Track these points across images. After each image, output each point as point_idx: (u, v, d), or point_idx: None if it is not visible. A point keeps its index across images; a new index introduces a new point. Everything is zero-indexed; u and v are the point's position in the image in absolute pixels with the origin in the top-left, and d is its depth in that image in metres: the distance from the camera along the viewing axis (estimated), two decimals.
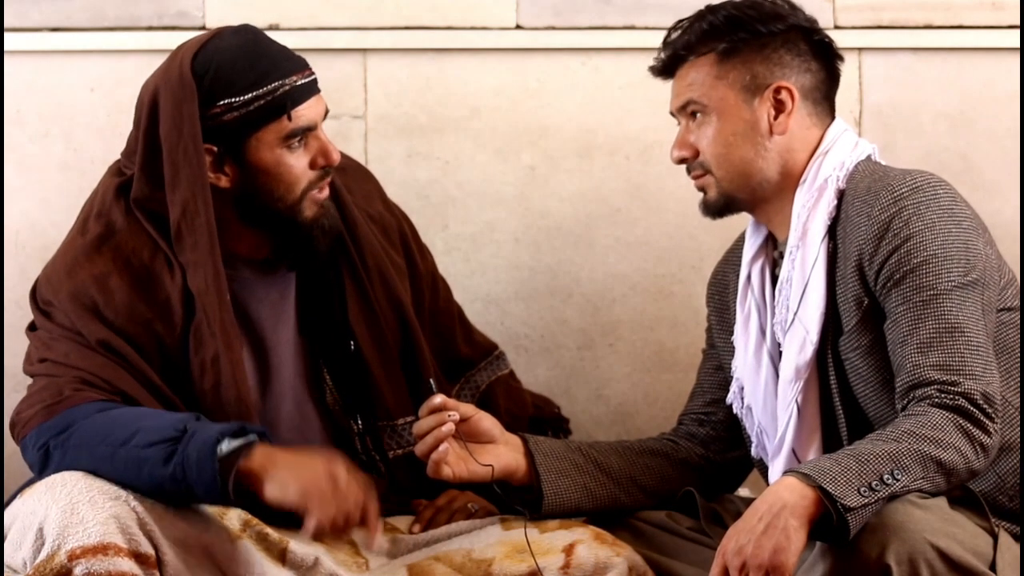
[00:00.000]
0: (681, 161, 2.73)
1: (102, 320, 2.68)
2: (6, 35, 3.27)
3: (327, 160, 2.74)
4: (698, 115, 2.70)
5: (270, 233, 2.78)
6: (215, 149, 2.69)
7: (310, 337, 2.85)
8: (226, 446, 2.51)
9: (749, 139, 2.68)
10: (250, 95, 2.69)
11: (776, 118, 2.68)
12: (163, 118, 2.69)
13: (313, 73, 2.74)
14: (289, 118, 2.70)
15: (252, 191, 2.73)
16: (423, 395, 2.68)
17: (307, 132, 2.72)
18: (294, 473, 2.52)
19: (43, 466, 2.62)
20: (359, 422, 2.85)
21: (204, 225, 2.68)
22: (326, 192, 2.77)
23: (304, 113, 2.71)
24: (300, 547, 2.64)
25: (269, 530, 2.63)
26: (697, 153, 2.71)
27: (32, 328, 2.77)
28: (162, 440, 2.53)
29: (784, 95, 2.67)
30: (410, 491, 2.87)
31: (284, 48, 2.75)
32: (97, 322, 2.68)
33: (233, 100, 2.69)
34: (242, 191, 2.73)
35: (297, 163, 2.73)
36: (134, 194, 2.74)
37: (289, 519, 2.70)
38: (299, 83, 2.71)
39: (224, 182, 2.72)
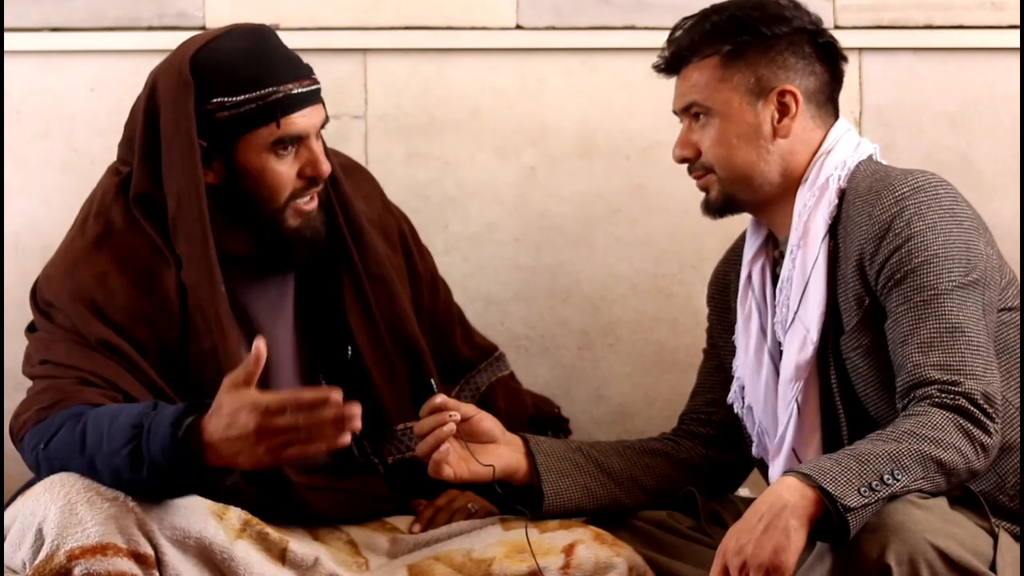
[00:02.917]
0: (683, 160, 2.72)
1: (103, 319, 2.68)
2: (6, 35, 3.27)
3: (315, 171, 2.73)
4: (701, 116, 2.69)
5: (252, 234, 2.77)
6: (204, 144, 2.70)
7: (308, 340, 2.84)
8: (183, 431, 2.45)
9: (752, 142, 2.68)
10: (242, 97, 2.68)
11: (780, 121, 2.67)
12: (162, 110, 2.70)
13: (315, 83, 2.73)
14: (278, 125, 2.69)
15: (237, 191, 2.72)
16: (424, 395, 2.67)
17: (297, 141, 2.72)
18: (231, 412, 2.44)
19: (38, 470, 2.62)
20: None
21: (197, 219, 2.69)
22: (314, 204, 2.76)
23: (296, 121, 2.70)
24: (300, 547, 2.64)
25: (269, 529, 2.62)
26: (699, 153, 2.70)
27: (31, 329, 2.77)
28: (124, 443, 2.48)
29: (788, 99, 2.67)
30: (410, 491, 2.87)
31: (290, 55, 2.74)
32: (98, 322, 2.68)
33: (226, 100, 2.68)
34: (227, 189, 2.73)
35: (284, 170, 2.72)
36: (134, 189, 2.74)
37: (289, 519, 2.71)
38: (294, 91, 2.70)
39: (211, 178, 2.72)
